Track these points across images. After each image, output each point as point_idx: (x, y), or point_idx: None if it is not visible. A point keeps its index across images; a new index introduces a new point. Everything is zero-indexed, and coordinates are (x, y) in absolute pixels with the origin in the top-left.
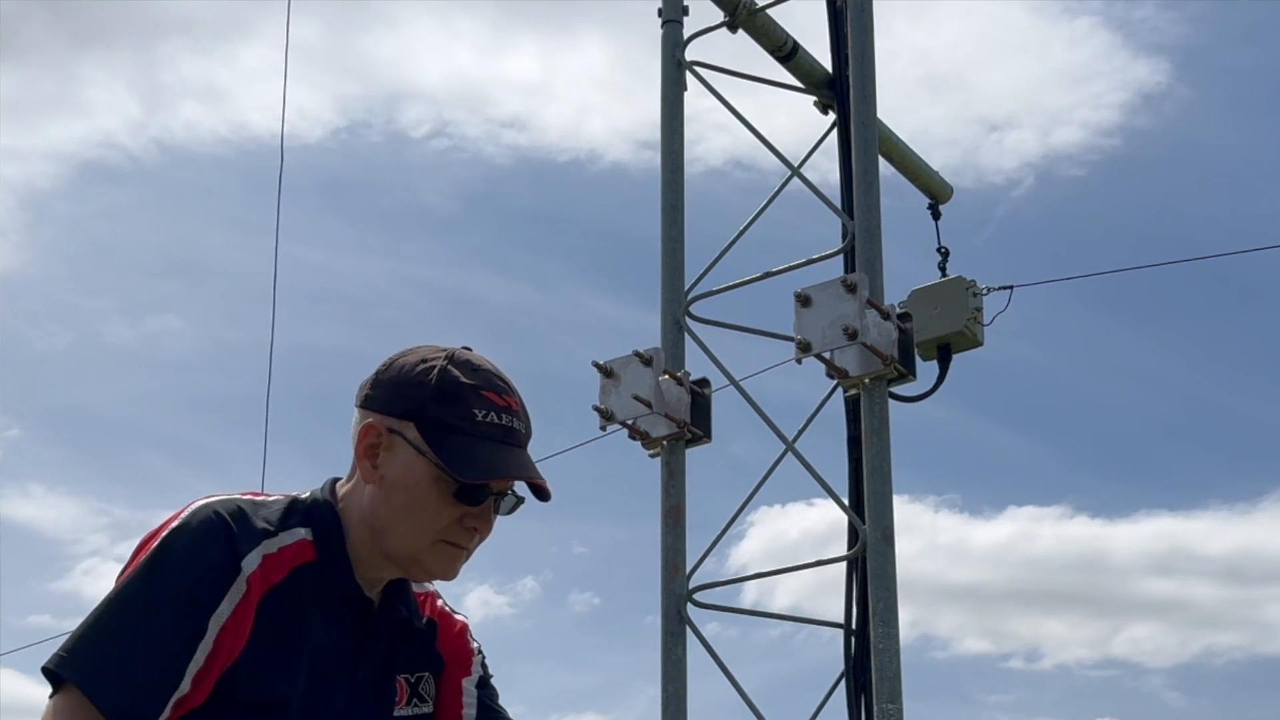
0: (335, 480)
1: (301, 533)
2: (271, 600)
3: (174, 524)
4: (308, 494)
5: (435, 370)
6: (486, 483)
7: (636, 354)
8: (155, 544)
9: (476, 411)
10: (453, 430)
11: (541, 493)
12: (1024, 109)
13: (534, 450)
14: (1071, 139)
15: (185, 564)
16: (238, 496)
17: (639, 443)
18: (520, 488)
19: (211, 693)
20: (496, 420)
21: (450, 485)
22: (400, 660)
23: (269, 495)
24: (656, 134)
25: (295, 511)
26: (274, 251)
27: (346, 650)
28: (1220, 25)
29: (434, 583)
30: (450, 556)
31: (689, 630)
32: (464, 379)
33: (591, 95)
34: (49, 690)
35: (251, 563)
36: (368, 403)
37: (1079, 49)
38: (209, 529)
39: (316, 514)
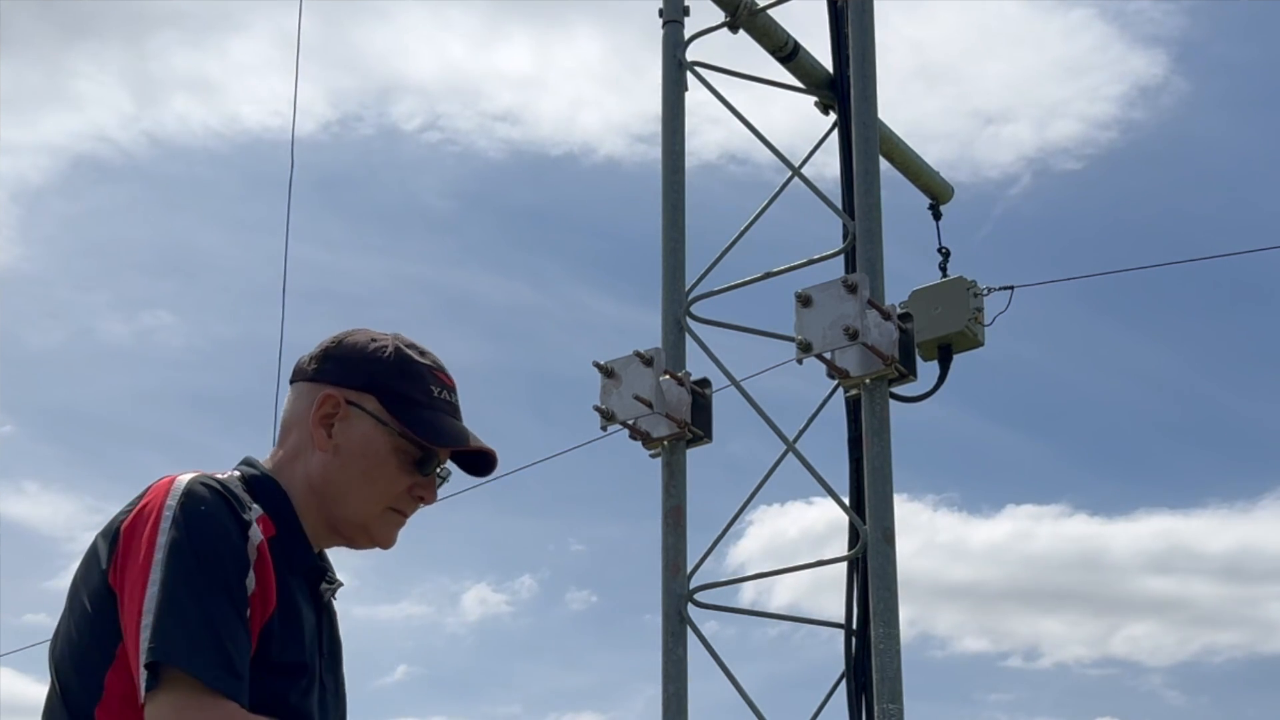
0: (249, 459)
1: (258, 508)
2: (271, 568)
3: (179, 500)
4: (236, 471)
5: (390, 349)
6: (448, 450)
7: (637, 354)
8: (170, 522)
9: (433, 388)
10: (414, 403)
11: (491, 461)
12: (1019, 102)
13: (533, 450)
14: (1068, 132)
15: (218, 535)
16: (206, 472)
17: (639, 443)
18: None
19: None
20: (448, 398)
21: (410, 454)
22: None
23: (219, 472)
24: (650, 127)
25: (246, 488)
26: (269, 246)
27: (314, 621)
28: (1217, 16)
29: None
30: (396, 524)
31: (690, 630)
32: (417, 358)
33: (585, 88)
34: (147, 683)
35: (255, 533)
36: (320, 375)
37: (1074, 41)
38: (220, 502)
39: (264, 489)
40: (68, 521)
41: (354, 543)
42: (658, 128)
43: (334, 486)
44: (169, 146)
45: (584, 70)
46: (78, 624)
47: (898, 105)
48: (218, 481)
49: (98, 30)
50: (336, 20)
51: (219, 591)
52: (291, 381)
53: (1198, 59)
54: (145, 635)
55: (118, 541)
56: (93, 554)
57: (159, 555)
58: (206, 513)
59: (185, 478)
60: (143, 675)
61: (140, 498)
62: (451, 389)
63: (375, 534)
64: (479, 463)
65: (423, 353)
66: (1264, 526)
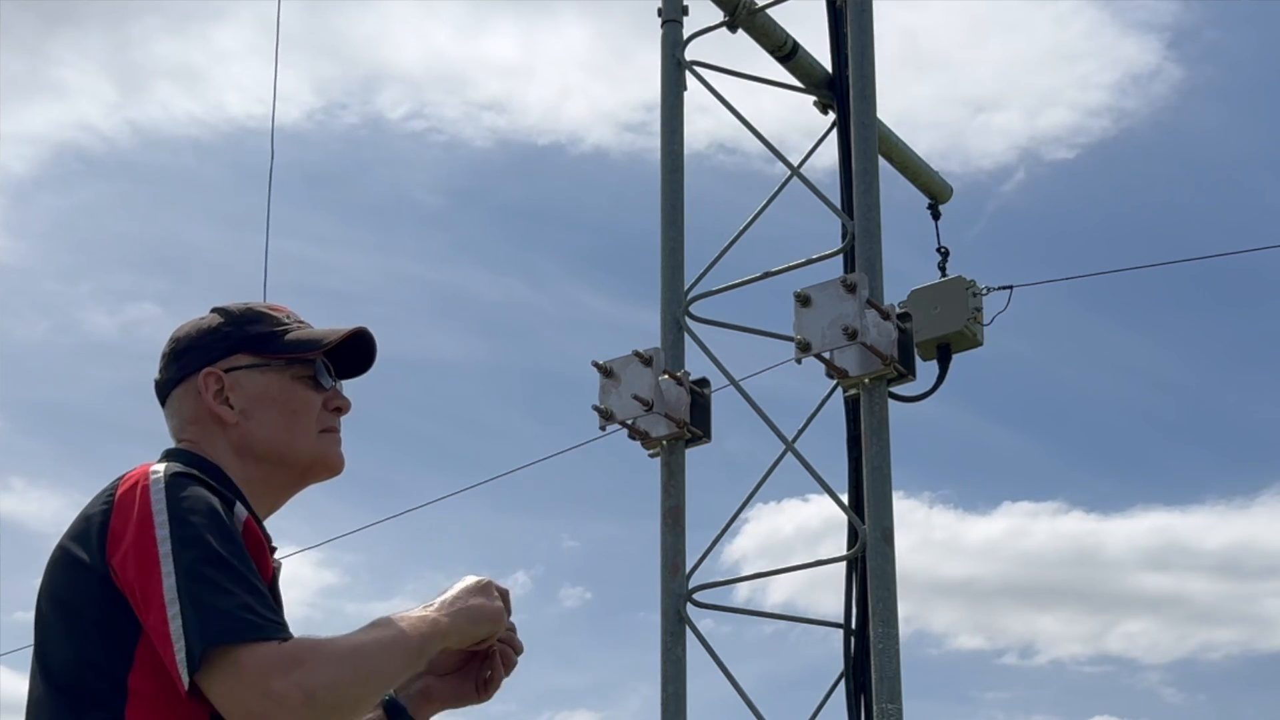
0: (173, 450)
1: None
2: (260, 539)
3: (164, 488)
4: (174, 462)
5: (216, 315)
6: (332, 347)
7: (636, 354)
8: (165, 512)
9: (277, 317)
10: (274, 335)
11: (369, 342)
12: (1011, 90)
13: (528, 449)
14: (1060, 120)
15: (212, 511)
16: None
17: (638, 442)
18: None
19: None
20: (297, 319)
21: (305, 376)
22: None
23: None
24: (638, 116)
25: None
26: (255, 239)
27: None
28: (1210, 2)
29: None
30: (337, 443)
31: (688, 629)
32: (248, 306)
33: (572, 77)
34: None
35: (240, 510)
36: (184, 371)
37: (1066, 27)
38: (205, 488)
39: (212, 475)
40: (56, 517)
41: (315, 478)
42: (646, 116)
43: (271, 442)
44: (152, 135)
45: (571, 58)
46: (81, 634)
47: (889, 95)
48: (184, 466)
49: (79, 18)
50: (320, 7)
51: (232, 556)
52: (163, 403)
53: (1190, 46)
54: (176, 628)
55: (107, 543)
56: (72, 561)
57: (164, 548)
58: (197, 493)
59: (159, 467)
60: (183, 665)
61: (110, 495)
62: (289, 313)
63: (329, 460)
64: (361, 353)
65: (246, 304)
66: (1261, 523)
